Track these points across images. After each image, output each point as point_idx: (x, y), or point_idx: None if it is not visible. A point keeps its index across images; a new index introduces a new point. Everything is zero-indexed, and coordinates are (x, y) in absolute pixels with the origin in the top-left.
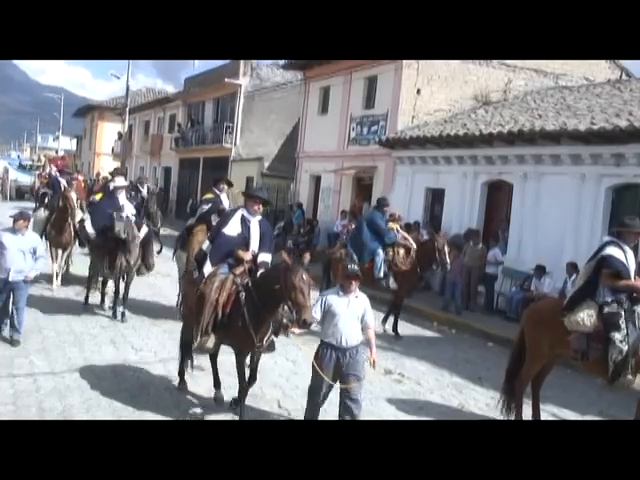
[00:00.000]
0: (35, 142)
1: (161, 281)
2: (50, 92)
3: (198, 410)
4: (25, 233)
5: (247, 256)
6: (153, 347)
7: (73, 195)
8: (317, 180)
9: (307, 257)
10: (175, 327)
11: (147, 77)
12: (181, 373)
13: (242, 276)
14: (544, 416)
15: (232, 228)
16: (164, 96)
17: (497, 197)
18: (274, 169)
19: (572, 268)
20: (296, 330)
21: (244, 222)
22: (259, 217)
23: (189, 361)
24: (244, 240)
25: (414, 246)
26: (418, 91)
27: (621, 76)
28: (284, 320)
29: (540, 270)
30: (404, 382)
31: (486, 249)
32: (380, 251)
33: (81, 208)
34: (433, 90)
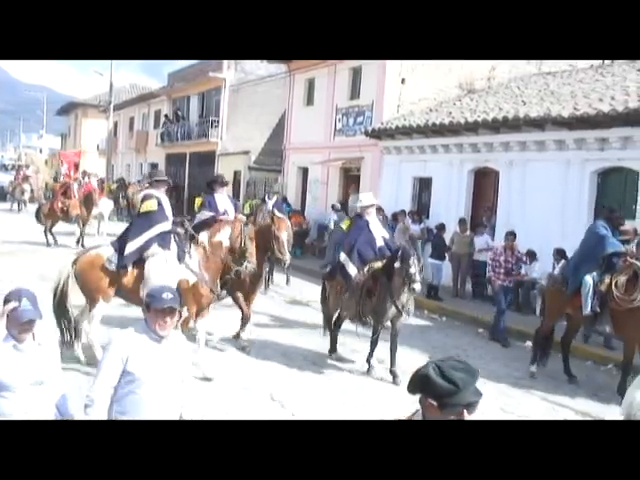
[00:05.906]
0: (19, 141)
1: None
2: (32, 90)
3: (203, 410)
4: (31, 341)
5: None
6: None
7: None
8: (304, 172)
9: None
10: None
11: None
12: None
13: None
14: (533, 401)
15: None
16: (148, 92)
17: (484, 184)
18: (261, 162)
19: (559, 254)
20: None
21: None
22: None
23: None
24: None
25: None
26: (402, 80)
27: (603, 61)
28: None
29: (530, 255)
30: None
31: (474, 236)
32: (588, 278)
33: None
34: (417, 79)
